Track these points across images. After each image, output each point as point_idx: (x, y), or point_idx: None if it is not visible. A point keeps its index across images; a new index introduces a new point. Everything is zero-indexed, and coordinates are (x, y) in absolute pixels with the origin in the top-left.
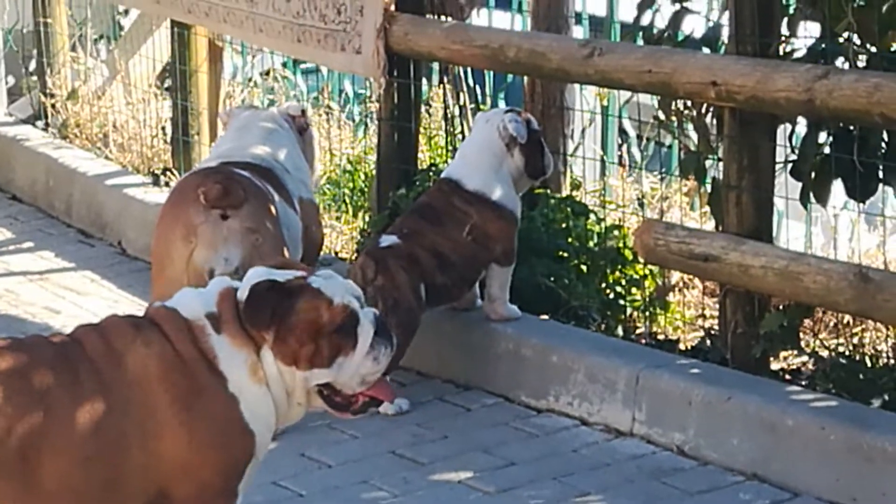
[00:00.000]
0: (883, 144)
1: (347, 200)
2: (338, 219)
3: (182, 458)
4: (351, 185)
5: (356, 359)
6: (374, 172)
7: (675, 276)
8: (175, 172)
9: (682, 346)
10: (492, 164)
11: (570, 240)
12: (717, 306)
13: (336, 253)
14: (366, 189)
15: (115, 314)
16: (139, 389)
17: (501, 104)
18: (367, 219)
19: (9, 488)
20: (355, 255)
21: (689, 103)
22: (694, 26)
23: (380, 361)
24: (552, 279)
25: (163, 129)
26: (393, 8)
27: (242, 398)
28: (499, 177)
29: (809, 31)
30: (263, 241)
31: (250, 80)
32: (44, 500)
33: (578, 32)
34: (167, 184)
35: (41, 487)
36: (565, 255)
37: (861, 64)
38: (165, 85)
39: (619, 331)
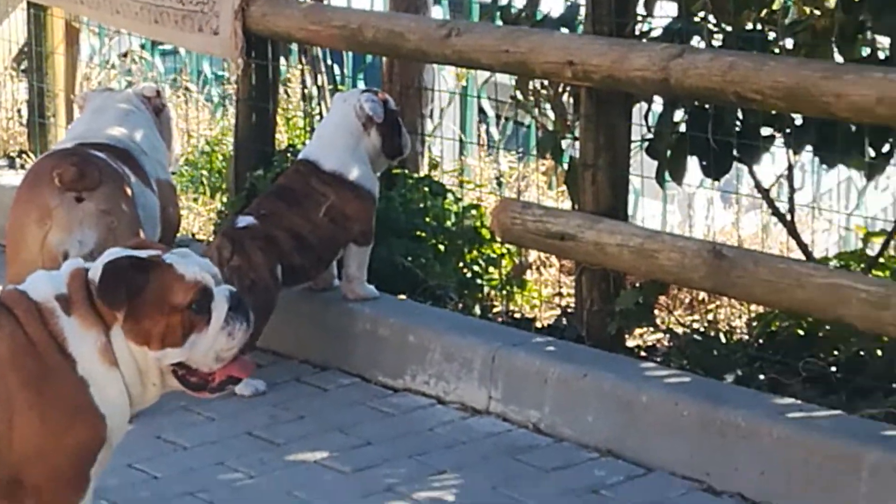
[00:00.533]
0: (738, 123)
1: (205, 181)
2: (195, 200)
3: (33, 443)
4: (209, 166)
5: (210, 335)
6: (231, 154)
7: (533, 255)
8: (31, 155)
9: (538, 325)
10: (349, 145)
11: (427, 219)
12: (574, 284)
13: (193, 234)
14: (223, 170)
15: None
16: None
17: (361, 85)
18: (224, 200)
19: None
20: (212, 236)
21: (546, 83)
22: (552, 6)
23: (235, 337)
24: (410, 259)
25: (18, 111)
26: None
27: (92, 381)
28: (356, 157)
29: (666, 11)
30: (119, 223)
31: (108, 61)
32: None
33: (438, 13)
34: (23, 166)
35: None
36: (423, 234)
37: (717, 43)
38: (22, 67)
39: (477, 310)
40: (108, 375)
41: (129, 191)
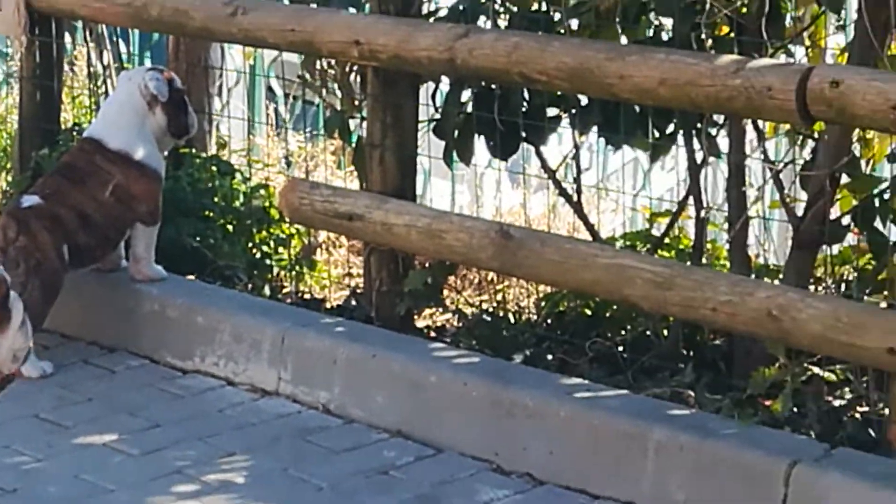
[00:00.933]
0: (524, 103)
1: None
2: None
3: None
4: None
5: (10, 335)
6: (16, 132)
7: (323, 236)
8: None
9: (328, 306)
10: (134, 123)
11: (216, 199)
12: (363, 265)
13: None
14: (8, 149)
15: None
16: None
17: (148, 63)
18: (9, 179)
19: None
20: None
21: (333, 62)
22: None
23: (28, 334)
24: (198, 239)
25: None
26: None
27: None
28: (141, 136)
29: None
30: None
31: None
32: None
33: None
34: None
35: None
36: (211, 214)
37: (504, 24)
38: None
39: (266, 290)
40: None
41: None
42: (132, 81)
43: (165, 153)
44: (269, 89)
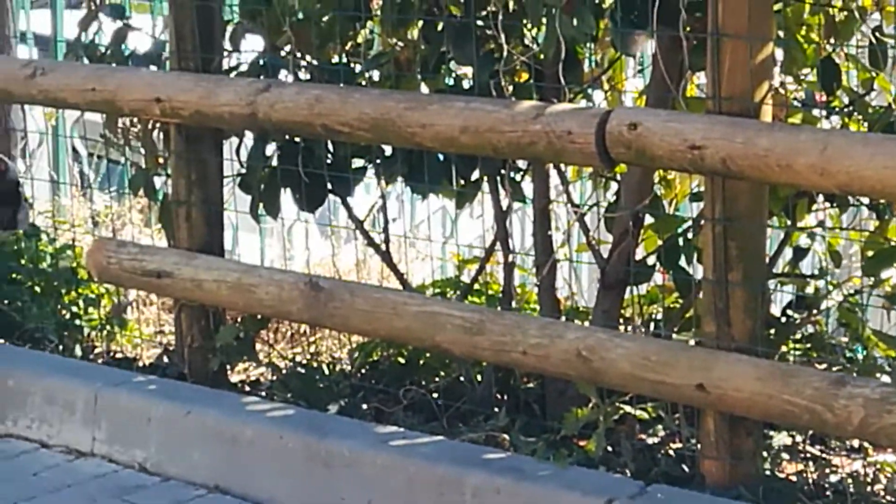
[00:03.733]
0: (329, 155)
1: None
2: None
3: None
4: None
5: None
6: None
7: (133, 294)
8: None
9: (141, 364)
10: None
11: (22, 261)
12: (174, 322)
13: None
14: None
15: None
16: None
17: None
18: None
19: None
20: None
21: (135, 120)
22: (138, 43)
23: None
24: (6, 302)
25: None
26: None
27: None
28: None
29: (253, 46)
30: None
31: None
32: None
33: (25, 52)
34: None
35: None
36: (18, 277)
37: (306, 77)
38: None
39: (78, 351)
40: None
41: None
42: None
43: None
44: (74, 149)
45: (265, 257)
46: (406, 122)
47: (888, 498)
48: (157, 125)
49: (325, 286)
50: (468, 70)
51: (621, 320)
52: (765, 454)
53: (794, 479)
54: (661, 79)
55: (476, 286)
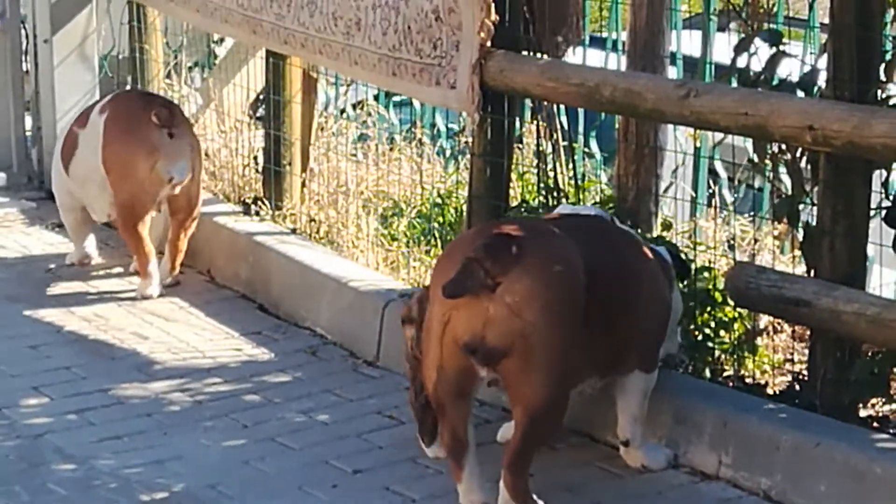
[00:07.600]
0: None
1: (436, 233)
2: (427, 252)
3: None
4: (441, 218)
5: None
6: (464, 207)
7: (765, 320)
8: (266, 202)
9: (769, 391)
10: None
11: None
12: (807, 351)
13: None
14: (454, 223)
15: None
16: None
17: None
18: None
19: None
20: None
21: (783, 147)
22: (790, 70)
23: None
24: None
25: (255, 158)
26: (489, 44)
27: None
28: None
29: None
30: (196, 152)
31: (343, 111)
32: None
33: (672, 73)
34: (257, 213)
35: None
36: None
37: None
38: (257, 114)
39: (706, 373)
40: None
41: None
42: None
43: None
44: (712, 171)
45: None
46: None
47: None
48: (806, 153)
49: None
50: None
51: None
52: None
53: None
54: None
55: None
